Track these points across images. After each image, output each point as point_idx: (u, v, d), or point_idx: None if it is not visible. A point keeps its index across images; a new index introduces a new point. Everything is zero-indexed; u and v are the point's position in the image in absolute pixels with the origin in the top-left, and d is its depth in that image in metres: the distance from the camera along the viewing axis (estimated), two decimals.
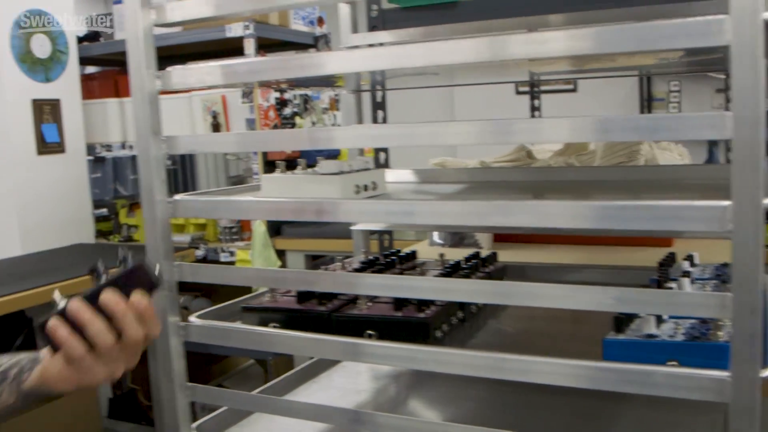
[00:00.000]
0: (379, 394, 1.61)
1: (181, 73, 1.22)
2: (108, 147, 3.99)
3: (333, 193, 1.27)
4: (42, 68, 3.70)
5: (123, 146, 3.95)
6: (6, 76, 3.56)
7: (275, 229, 3.50)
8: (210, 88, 3.05)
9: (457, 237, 2.05)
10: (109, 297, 0.92)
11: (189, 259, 3.51)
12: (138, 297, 0.93)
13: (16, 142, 3.59)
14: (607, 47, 0.97)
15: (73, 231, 3.86)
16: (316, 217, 1.17)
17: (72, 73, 3.87)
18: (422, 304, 1.23)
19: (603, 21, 1.59)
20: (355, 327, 1.23)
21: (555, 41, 0.99)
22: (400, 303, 1.23)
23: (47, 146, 3.70)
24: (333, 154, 3.76)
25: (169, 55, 4.22)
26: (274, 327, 1.28)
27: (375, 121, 1.81)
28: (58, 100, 3.76)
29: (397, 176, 1.68)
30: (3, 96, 3.55)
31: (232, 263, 3.47)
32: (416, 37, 1.76)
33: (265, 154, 3.43)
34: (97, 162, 4.15)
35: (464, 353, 1.10)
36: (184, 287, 4.06)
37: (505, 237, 2.11)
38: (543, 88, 3.40)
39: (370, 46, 1.73)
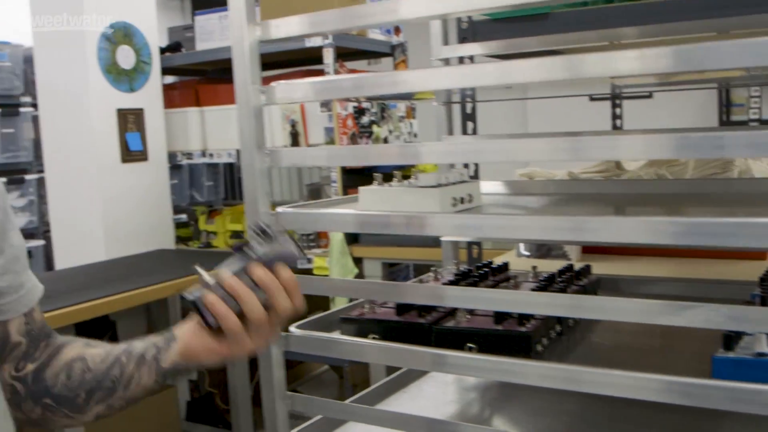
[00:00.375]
0: (469, 406, 1.61)
1: (285, 88, 1.25)
2: (188, 155, 4.07)
3: (431, 206, 1.28)
4: (126, 79, 3.81)
5: (203, 154, 4.03)
6: (93, 87, 3.67)
7: (353, 236, 3.52)
8: None
9: (545, 248, 2.04)
10: (262, 273, 0.95)
11: None
12: (288, 273, 0.96)
13: (102, 150, 3.71)
14: (718, 63, 0.96)
15: (155, 237, 3.96)
16: (419, 231, 1.19)
17: (155, 83, 3.97)
18: (523, 317, 1.23)
19: (679, 32, 1.58)
20: (455, 339, 1.24)
21: (658, 57, 0.98)
22: (500, 316, 1.23)
23: (131, 154, 3.81)
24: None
25: None
26: (374, 338, 1.29)
27: (465, 132, 1.81)
28: (141, 110, 3.87)
29: (488, 188, 1.68)
30: (90, 105, 3.67)
31: (309, 271, 3.51)
32: (506, 48, 1.76)
33: None
34: (174, 169, 4.26)
35: (564, 367, 1.09)
36: None
37: (594, 249, 2.09)
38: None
39: (461, 59, 1.74)
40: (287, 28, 1.24)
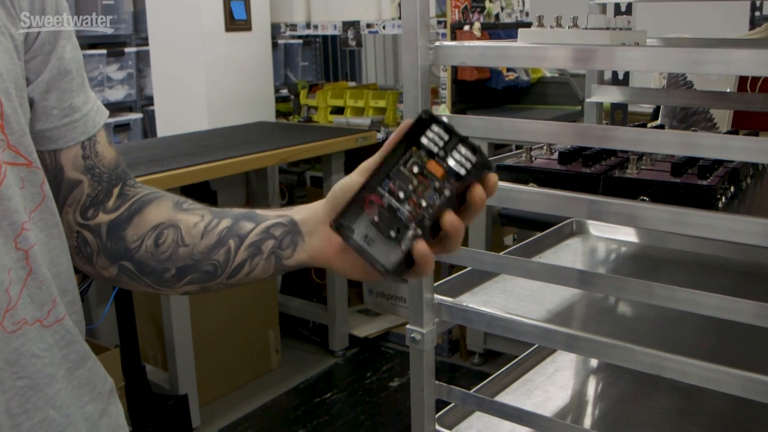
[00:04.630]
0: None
1: None
2: (292, 26, 3.98)
3: None
4: None
5: (307, 26, 3.92)
6: None
7: (460, 112, 3.42)
8: None
9: (692, 119, 1.89)
10: (457, 224, 0.73)
11: (371, 141, 3.50)
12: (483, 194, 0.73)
13: (206, 18, 3.63)
14: None
15: (256, 109, 3.92)
16: (591, 65, 1.08)
17: None
18: (704, 170, 1.12)
19: None
20: (626, 191, 1.14)
21: None
22: (678, 168, 1.13)
23: (235, 23, 3.73)
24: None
25: None
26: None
27: None
28: None
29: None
30: None
31: None
32: None
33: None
34: None
35: (756, 220, 0.99)
36: None
37: (744, 122, 1.93)
38: None
39: None
40: None
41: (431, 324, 1.29)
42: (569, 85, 3.54)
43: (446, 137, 0.70)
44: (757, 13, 3.02)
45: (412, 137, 0.71)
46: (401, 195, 0.71)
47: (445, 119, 0.72)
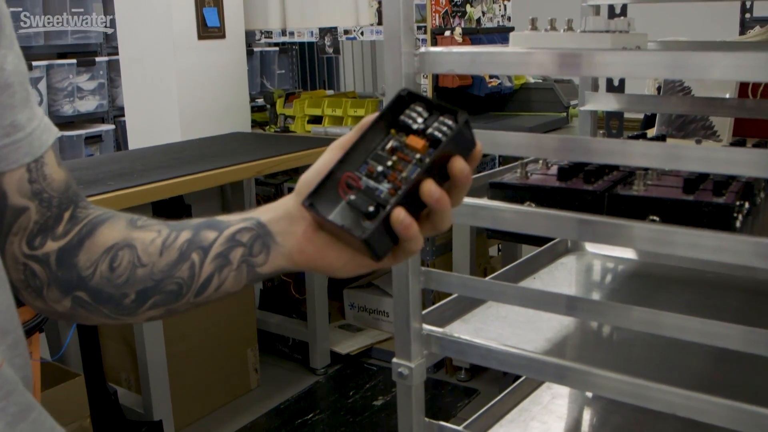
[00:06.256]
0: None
1: None
2: (267, 33, 3.86)
3: None
4: None
5: (283, 33, 3.81)
6: None
7: None
8: None
9: (690, 127, 1.79)
10: (437, 194, 0.67)
11: None
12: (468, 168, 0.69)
13: (178, 25, 3.51)
14: None
15: (231, 119, 3.80)
16: (588, 71, 0.98)
17: None
18: (720, 186, 1.02)
19: None
20: (633, 210, 1.03)
21: None
22: (691, 184, 1.02)
23: (208, 30, 3.61)
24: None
25: None
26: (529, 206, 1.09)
27: None
28: None
29: None
30: None
31: None
32: None
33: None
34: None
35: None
36: None
37: (747, 128, 1.83)
38: None
39: None
40: None
41: (420, 357, 1.17)
42: (554, 90, 3.45)
43: (426, 114, 0.68)
44: (747, 15, 2.95)
45: (391, 116, 0.69)
46: (379, 173, 0.67)
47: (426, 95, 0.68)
